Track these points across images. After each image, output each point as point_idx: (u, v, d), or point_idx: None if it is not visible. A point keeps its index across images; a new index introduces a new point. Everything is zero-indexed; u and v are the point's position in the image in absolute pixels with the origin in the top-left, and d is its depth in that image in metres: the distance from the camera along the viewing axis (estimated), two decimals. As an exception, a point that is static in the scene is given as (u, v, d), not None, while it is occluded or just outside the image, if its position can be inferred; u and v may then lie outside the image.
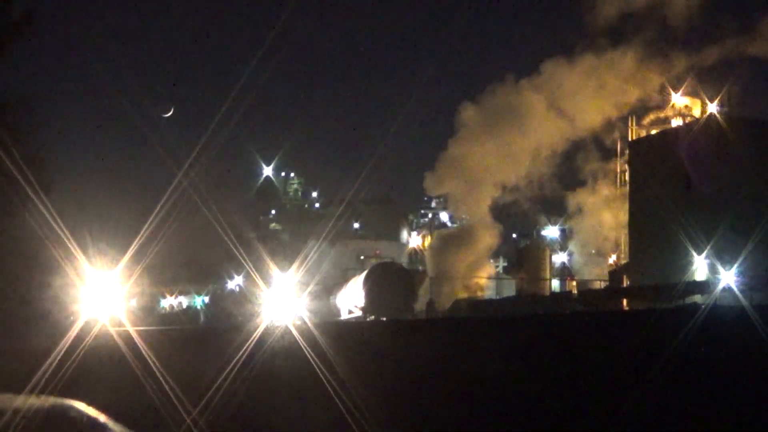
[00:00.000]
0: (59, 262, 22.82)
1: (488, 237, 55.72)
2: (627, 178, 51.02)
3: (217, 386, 16.92)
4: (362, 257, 71.66)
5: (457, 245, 55.62)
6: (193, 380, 17.98)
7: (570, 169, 59.91)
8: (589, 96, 53.04)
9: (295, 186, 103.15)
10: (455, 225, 67.69)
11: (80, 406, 7.40)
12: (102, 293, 25.02)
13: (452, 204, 57.27)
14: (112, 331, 22.51)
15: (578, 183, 61.48)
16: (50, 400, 7.50)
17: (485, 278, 57.10)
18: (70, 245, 21.68)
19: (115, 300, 25.96)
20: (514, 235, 68.98)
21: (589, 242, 61.08)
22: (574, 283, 58.93)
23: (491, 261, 62.02)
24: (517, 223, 63.90)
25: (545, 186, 58.99)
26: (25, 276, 23.30)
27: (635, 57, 52.94)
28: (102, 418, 7.20)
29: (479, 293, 54.45)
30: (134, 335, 20.66)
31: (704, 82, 51.66)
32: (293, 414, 17.36)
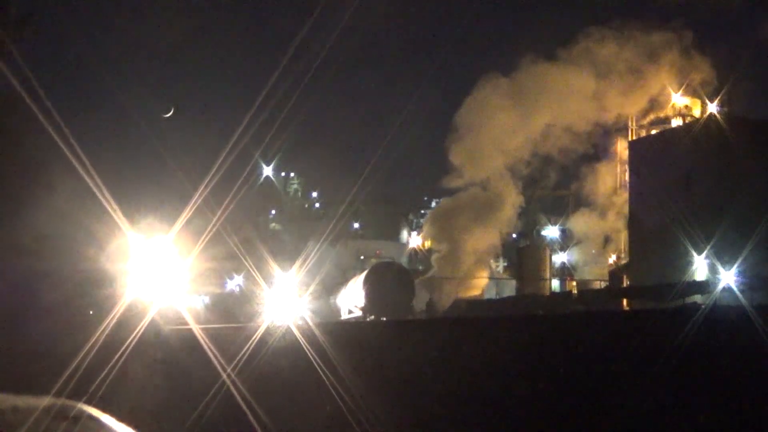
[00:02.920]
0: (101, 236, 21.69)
1: (509, 202, 54.89)
2: (627, 178, 51.08)
3: (218, 386, 16.96)
4: (362, 257, 71.65)
5: (473, 211, 54.78)
6: (193, 380, 18.01)
7: (570, 168, 59.96)
8: (587, 95, 52.93)
9: (295, 186, 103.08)
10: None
11: (83, 406, 7.42)
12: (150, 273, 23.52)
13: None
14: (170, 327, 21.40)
15: (578, 182, 61.51)
16: (51, 400, 7.50)
17: (485, 277, 57.10)
18: (114, 213, 20.63)
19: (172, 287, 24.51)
20: (514, 235, 68.91)
21: (588, 242, 61.07)
22: (574, 283, 58.95)
23: (492, 260, 61.91)
24: (517, 222, 63.73)
25: (545, 183, 58.97)
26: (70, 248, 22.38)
27: (636, 56, 52.93)
28: (106, 418, 7.22)
29: (477, 292, 54.45)
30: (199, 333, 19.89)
31: (704, 82, 51.72)
32: (293, 413, 17.39)
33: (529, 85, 53.51)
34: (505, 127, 53.58)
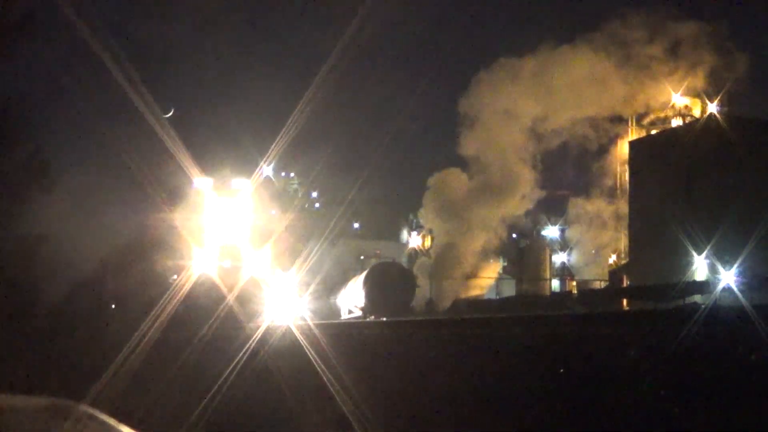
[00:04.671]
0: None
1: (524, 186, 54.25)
2: (627, 177, 51.04)
3: (219, 385, 16.93)
4: (362, 257, 71.58)
5: (483, 194, 54.21)
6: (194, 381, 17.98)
7: (569, 168, 59.87)
8: (587, 92, 52.78)
9: (295, 186, 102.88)
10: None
11: (83, 406, 7.42)
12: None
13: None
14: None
15: (578, 182, 61.43)
16: (51, 400, 7.49)
17: (487, 278, 57.04)
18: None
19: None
20: (514, 235, 68.88)
21: (588, 242, 60.95)
22: (574, 283, 58.91)
23: (492, 261, 61.80)
24: (525, 220, 63.55)
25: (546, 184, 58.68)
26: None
27: (636, 57, 52.79)
28: (106, 418, 7.23)
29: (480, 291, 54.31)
30: None
31: (704, 82, 51.66)
32: (294, 412, 17.39)
33: (539, 72, 53.14)
34: (514, 114, 53.22)
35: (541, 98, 53.22)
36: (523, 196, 55.27)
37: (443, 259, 55.00)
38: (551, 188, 64.08)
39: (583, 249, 62.03)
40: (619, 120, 55.37)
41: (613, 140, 57.28)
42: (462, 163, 55.81)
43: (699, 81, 52.02)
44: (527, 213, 59.73)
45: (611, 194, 57.98)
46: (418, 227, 76.61)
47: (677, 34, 52.02)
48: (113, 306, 19.88)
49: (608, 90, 52.61)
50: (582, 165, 59.08)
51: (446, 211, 56.26)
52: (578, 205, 61.60)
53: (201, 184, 20.79)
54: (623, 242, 54.24)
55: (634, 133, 54.73)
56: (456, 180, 56.54)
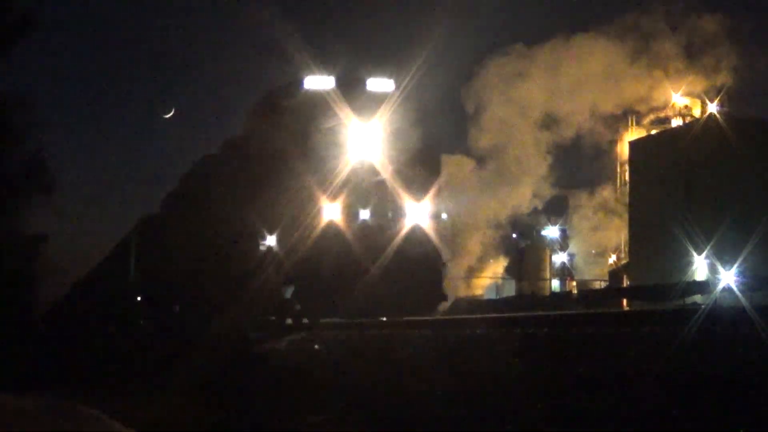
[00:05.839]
0: None
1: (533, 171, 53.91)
2: (627, 177, 50.98)
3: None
4: (362, 257, 71.25)
5: (492, 182, 53.88)
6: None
7: (570, 168, 59.77)
8: (588, 89, 52.63)
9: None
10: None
11: (83, 406, 7.43)
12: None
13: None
14: None
15: (578, 182, 61.33)
16: (51, 400, 7.50)
17: (487, 278, 56.96)
18: None
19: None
20: (514, 235, 68.70)
21: (588, 241, 60.79)
22: (574, 283, 58.85)
23: (491, 261, 61.70)
24: (518, 223, 63.41)
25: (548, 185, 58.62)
26: None
27: (633, 56, 52.69)
28: (105, 417, 7.25)
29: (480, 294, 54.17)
30: None
31: (704, 82, 51.60)
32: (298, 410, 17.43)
33: (541, 69, 52.90)
34: (513, 108, 52.94)
35: (541, 94, 53.07)
36: (524, 192, 55.15)
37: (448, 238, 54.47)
38: (551, 185, 63.90)
39: (583, 249, 61.93)
40: (619, 118, 55.34)
41: (613, 139, 57.23)
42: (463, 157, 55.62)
43: (700, 81, 51.99)
44: (530, 213, 59.65)
45: (611, 193, 57.91)
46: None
47: (680, 34, 51.99)
48: (138, 299, 16.28)
49: (609, 88, 52.57)
50: (582, 163, 59.04)
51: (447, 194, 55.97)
52: (579, 203, 61.43)
53: (316, 83, 15.12)
54: (623, 241, 54.16)
55: (634, 133, 54.65)
56: (458, 165, 56.21)
